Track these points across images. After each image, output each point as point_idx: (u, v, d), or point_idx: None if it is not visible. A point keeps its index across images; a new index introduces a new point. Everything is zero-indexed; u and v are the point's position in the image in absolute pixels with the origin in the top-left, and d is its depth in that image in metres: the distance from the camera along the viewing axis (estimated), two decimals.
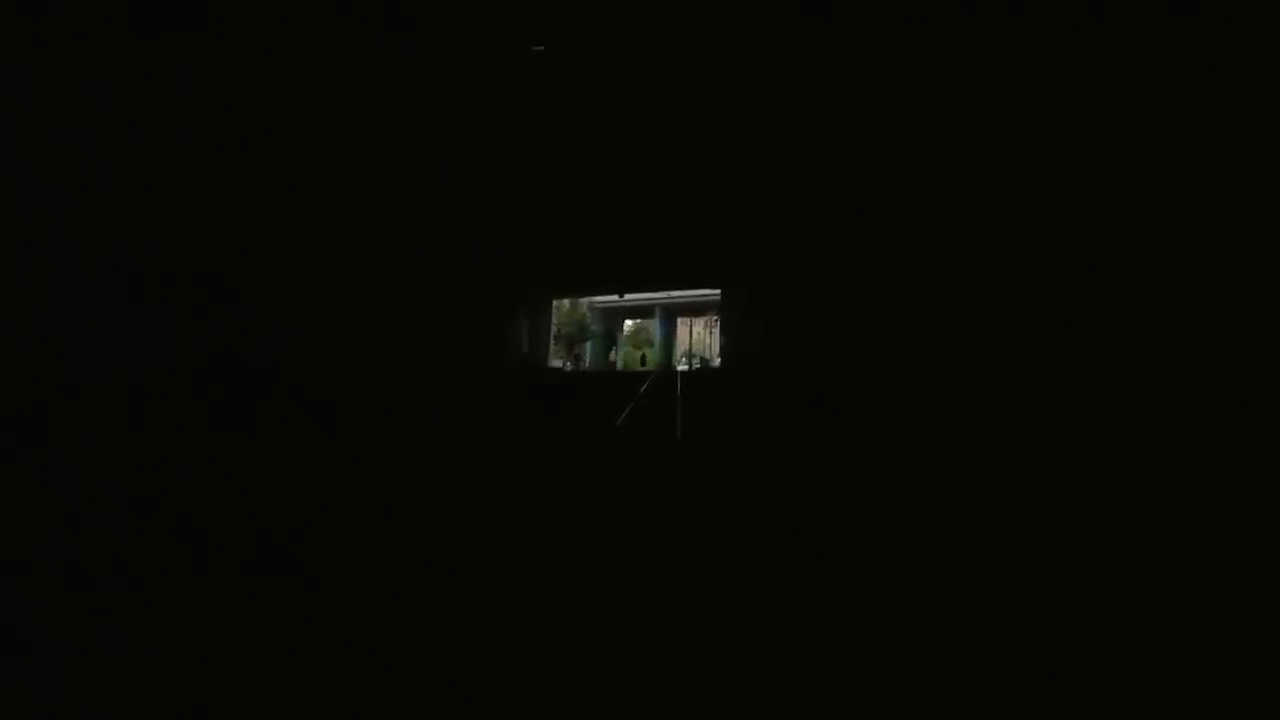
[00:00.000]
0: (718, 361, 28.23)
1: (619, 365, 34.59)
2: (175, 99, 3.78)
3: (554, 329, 26.54)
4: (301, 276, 5.14)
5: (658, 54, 6.23)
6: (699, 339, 36.52)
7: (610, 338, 36.21)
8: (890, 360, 5.79)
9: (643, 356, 34.39)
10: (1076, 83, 3.25)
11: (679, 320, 35.45)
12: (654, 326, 34.96)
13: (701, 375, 20.07)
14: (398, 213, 7.26)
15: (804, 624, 2.29)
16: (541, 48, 6.12)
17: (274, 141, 4.88)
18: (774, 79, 6.59)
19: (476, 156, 8.94)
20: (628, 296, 26.94)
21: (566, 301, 31.28)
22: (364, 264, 6.29)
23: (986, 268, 4.09)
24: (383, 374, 6.58)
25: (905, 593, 2.57)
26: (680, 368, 29.53)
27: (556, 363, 27.04)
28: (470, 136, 8.11)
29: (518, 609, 2.42)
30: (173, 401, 3.73)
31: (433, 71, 6.35)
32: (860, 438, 5.72)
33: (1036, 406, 3.45)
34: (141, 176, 3.57)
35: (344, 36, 5.25)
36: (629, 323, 39.12)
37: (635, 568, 2.89)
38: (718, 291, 21.55)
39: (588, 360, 33.79)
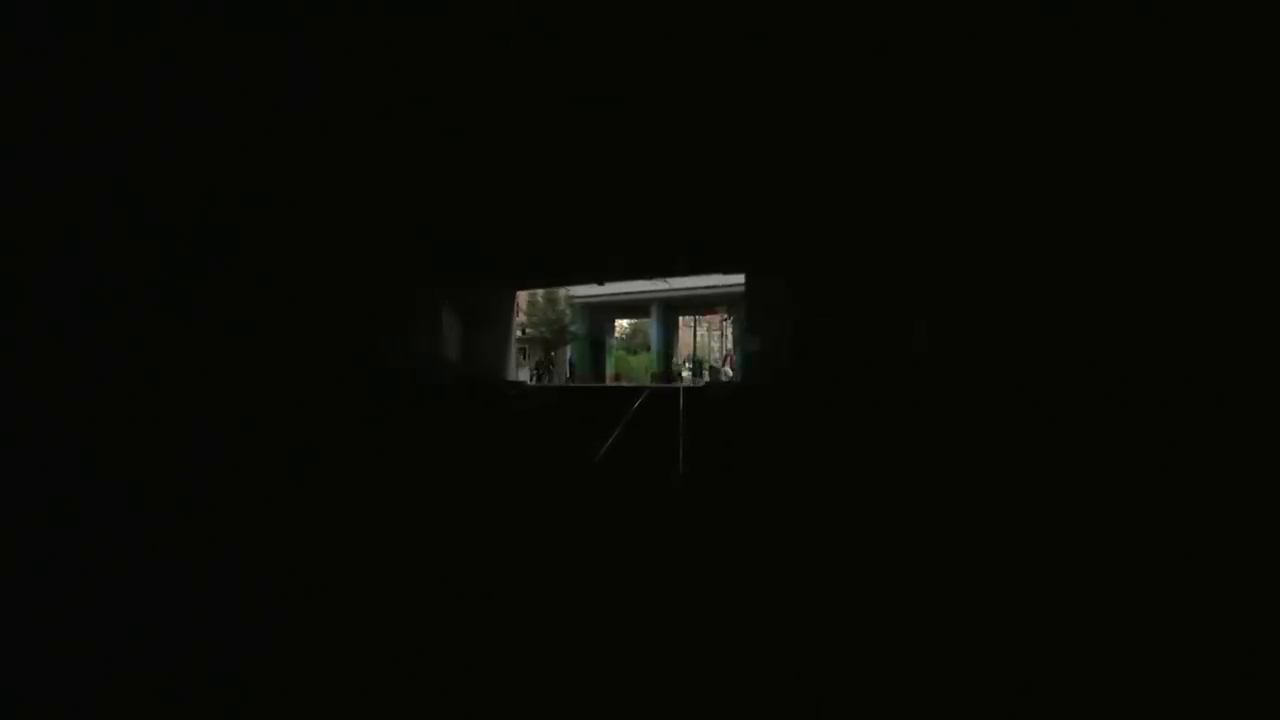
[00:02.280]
0: (729, 373, 26.29)
1: (607, 375, 30.75)
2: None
3: (518, 330, 21.99)
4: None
5: None
6: (703, 342, 34.57)
7: (598, 341, 31.76)
8: (992, 378, 4.80)
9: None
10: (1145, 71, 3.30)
11: (681, 320, 32.73)
12: (650, 327, 31.02)
13: (712, 391, 15.24)
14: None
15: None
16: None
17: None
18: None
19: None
20: (613, 288, 24.05)
21: (541, 295, 26.59)
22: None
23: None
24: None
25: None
26: (683, 380, 26.40)
27: (521, 374, 22.30)
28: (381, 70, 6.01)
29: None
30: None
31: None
32: (930, 474, 4.63)
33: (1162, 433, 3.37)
34: None
35: None
36: (622, 323, 36.22)
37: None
38: (738, 280, 18.24)
39: (569, 370, 29.06)
